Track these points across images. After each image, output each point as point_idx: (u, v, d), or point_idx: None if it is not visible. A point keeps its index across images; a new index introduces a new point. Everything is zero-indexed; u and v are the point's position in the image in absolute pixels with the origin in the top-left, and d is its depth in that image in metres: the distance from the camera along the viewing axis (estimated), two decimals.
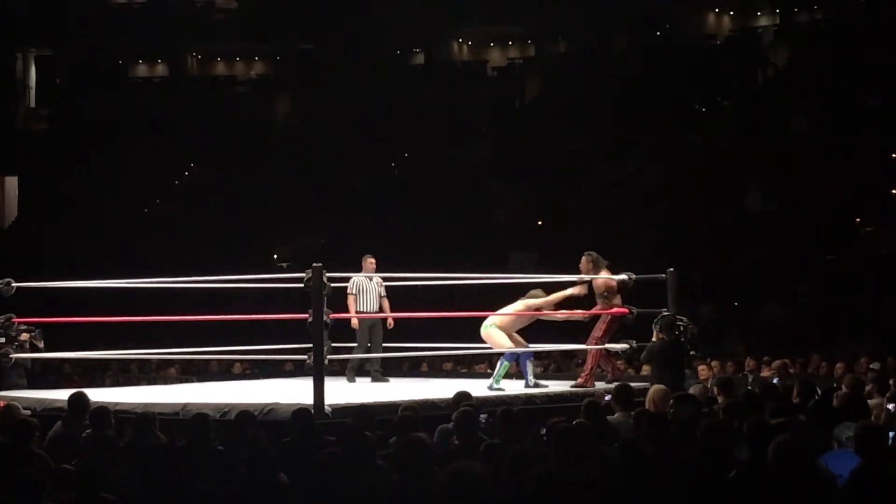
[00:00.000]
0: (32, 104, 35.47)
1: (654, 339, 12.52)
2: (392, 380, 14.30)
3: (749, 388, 12.43)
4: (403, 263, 13.47)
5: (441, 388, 11.99)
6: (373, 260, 14.26)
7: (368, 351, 14.10)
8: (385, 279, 14.11)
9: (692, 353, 13.12)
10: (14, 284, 12.86)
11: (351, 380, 14.26)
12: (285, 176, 30.10)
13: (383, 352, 14.23)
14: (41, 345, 13.61)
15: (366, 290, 14.16)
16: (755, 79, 28.95)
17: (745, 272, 21.90)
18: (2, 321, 12.94)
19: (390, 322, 14.40)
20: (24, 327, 13.27)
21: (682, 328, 12.56)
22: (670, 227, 23.56)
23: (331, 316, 10.94)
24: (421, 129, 30.39)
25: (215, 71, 36.71)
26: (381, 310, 14.27)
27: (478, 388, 11.83)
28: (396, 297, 14.48)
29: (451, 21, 33.35)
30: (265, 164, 31.04)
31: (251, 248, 26.45)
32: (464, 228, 25.84)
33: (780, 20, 31.14)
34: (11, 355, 12.88)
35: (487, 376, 12.86)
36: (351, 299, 14.05)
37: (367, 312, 14.09)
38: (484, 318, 12.89)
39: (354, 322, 13.95)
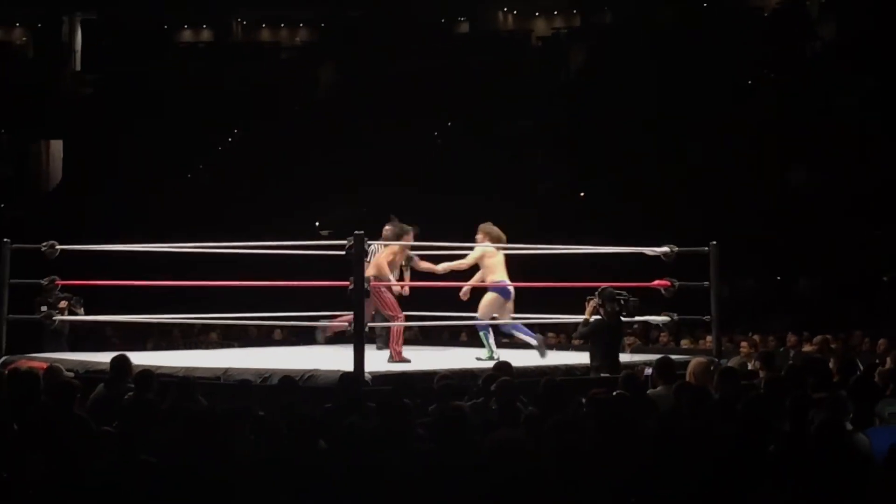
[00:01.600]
0: (78, 68, 35.59)
1: (587, 314, 12.18)
2: (428, 349, 14.24)
3: (791, 362, 12.37)
4: (444, 232, 13.34)
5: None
6: (389, 227, 14.06)
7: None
8: (413, 248, 13.83)
9: (634, 326, 12.73)
10: (58, 247, 12.93)
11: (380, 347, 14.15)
12: (328, 144, 30.06)
13: (418, 320, 14.17)
14: (81, 312, 13.70)
15: None
16: (803, 52, 28.71)
17: (788, 247, 21.78)
18: (46, 283, 13.03)
19: (405, 290, 14.15)
20: (64, 294, 13.37)
21: (622, 302, 12.31)
22: (713, 200, 23.41)
23: (371, 284, 10.90)
24: (465, 98, 30.28)
25: (260, 37, 36.73)
26: (401, 278, 14.12)
27: (518, 357, 11.77)
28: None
29: None
30: (308, 132, 31.02)
31: (293, 214, 26.47)
32: (505, 199, 25.74)
33: None
34: (55, 317, 13.00)
35: (528, 346, 12.72)
36: None
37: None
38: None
39: None
